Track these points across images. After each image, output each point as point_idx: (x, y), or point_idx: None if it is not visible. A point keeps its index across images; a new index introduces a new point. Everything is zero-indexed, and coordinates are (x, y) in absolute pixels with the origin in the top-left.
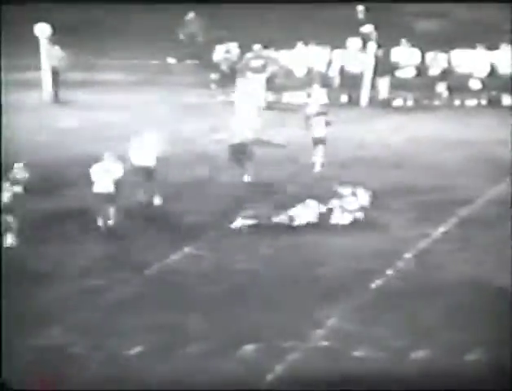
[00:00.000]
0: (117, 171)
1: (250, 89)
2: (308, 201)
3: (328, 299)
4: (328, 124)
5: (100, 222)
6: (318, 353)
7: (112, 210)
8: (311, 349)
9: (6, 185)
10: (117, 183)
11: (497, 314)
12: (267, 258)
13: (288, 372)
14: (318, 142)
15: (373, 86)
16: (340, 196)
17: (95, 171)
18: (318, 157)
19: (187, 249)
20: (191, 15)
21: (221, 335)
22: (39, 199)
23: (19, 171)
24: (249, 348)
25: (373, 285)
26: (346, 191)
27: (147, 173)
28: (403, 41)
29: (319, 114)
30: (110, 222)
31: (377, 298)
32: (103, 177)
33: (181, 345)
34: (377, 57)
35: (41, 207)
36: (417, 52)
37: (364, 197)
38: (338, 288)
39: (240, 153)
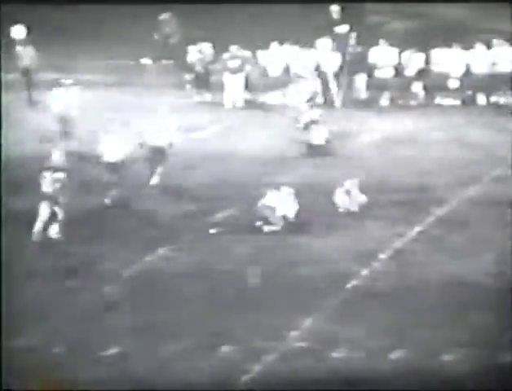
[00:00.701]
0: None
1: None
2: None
3: (304, 300)
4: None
5: None
6: (295, 353)
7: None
8: (288, 349)
9: (47, 174)
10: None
11: (473, 313)
12: (244, 259)
13: (264, 373)
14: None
15: (350, 86)
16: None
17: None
18: None
19: (161, 250)
20: (165, 15)
21: (198, 335)
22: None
23: (58, 158)
24: (225, 348)
25: (349, 286)
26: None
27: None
28: (382, 41)
29: (315, 122)
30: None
31: (354, 299)
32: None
33: (158, 346)
34: (352, 57)
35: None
36: (395, 52)
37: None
38: (315, 289)
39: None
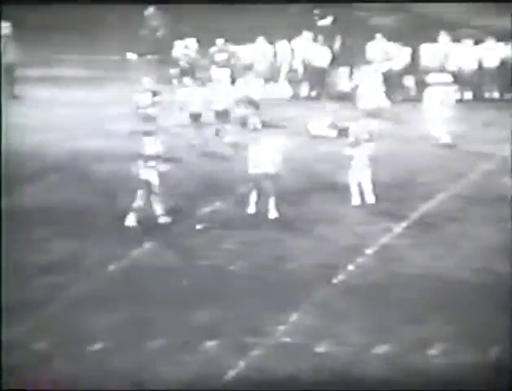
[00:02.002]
0: None
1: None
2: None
3: (290, 294)
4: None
5: None
6: (280, 349)
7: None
8: (273, 345)
9: (141, 163)
10: None
11: (459, 308)
12: (231, 254)
13: (250, 368)
14: None
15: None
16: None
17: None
18: None
19: (147, 245)
20: (151, 9)
21: (183, 330)
22: None
23: (152, 145)
24: (210, 344)
25: (335, 280)
26: None
27: None
28: (378, 36)
29: None
30: None
31: (339, 294)
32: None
33: (144, 341)
34: (338, 50)
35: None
36: (393, 46)
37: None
38: (300, 284)
39: None
